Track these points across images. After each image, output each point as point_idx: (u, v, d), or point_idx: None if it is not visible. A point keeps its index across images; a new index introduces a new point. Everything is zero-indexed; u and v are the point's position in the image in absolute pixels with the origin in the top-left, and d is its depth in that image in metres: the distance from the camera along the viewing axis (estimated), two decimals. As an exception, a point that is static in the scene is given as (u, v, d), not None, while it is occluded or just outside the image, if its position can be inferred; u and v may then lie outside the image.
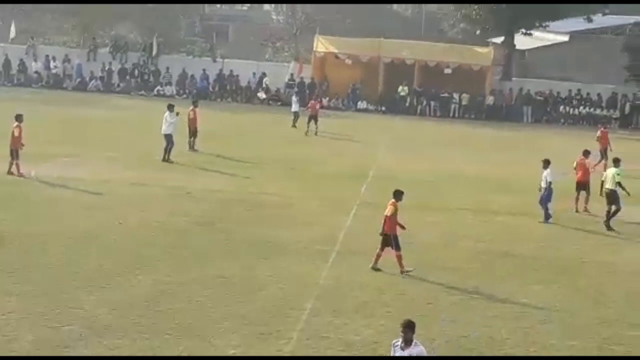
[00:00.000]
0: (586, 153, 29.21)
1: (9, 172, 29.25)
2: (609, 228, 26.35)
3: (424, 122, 53.83)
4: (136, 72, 59.94)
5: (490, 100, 57.79)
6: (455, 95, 57.52)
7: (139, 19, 65.72)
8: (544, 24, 62.62)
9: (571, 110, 57.77)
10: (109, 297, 17.89)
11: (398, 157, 38.11)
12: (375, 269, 20.81)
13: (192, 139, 36.71)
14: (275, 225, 24.64)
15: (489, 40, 65.95)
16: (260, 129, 45.00)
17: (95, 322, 16.50)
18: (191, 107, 37.42)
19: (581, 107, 57.65)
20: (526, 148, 42.24)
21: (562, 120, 57.31)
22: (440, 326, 17.28)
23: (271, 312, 17.54)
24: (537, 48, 66.56)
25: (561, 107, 57.83)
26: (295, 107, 47.60)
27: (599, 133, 38.64)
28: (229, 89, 59.32)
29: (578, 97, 57.92)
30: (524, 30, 61.98)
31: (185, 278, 19.44)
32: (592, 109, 57.52)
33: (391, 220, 20.73)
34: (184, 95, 56.58)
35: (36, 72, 59.15)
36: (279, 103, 56.33)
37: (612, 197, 26.70)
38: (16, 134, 29.40)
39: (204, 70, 59.20)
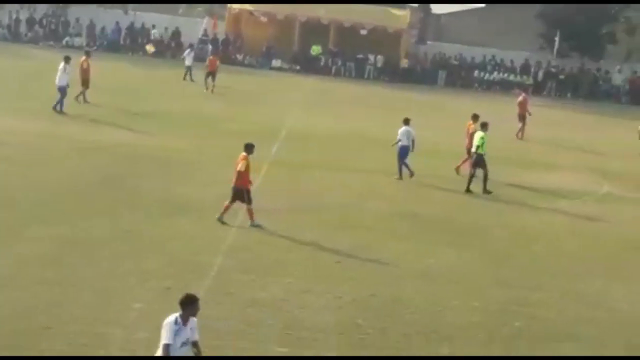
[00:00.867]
0: (475, 118, 28.64)
1: None
2: (487, 192, 26.18)
3: (338, 82, 53.76)
4: (44, 21, 58.51)
5: (405, 62, 58.00)
6: (371, 57, 57.61)
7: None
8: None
9: (485, 75, 58.38)
10: (10, 250, 17.44)
11: (311, 117, 37.95)
12: (222, 221, 20.61)
13: (84, 89, 35.67)
14: (182, 182, 24.30)
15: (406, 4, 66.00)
16: (168, 85, 44.30)
17: (-5, 274, 16.09)
18: (84, 57, 36.23)
19: (495, 73, 58.33)
20: (438, 111, 42.51)
21: (476, 85, 57.90)
22: (348, 285, 17.26)
23: (177, 268, 17.32)
24: (453, 13, 66.99)
25: (475, 72, 58.41)
26: (188, 61, 47.04)
27: (520, 98, 38.50)
28: (141, 42, 58.37)
29: (492, 62, 58.56)
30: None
31: (90, 233, 19.06)
32: (505, 75, 58.24)
33: (243, 175, 20.62)
34: (94, 47, 55.41)
35: (-59, 18, 57.42)
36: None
37: (476, 161, 26.38)
38: None
39: (116, 22, 58.09)
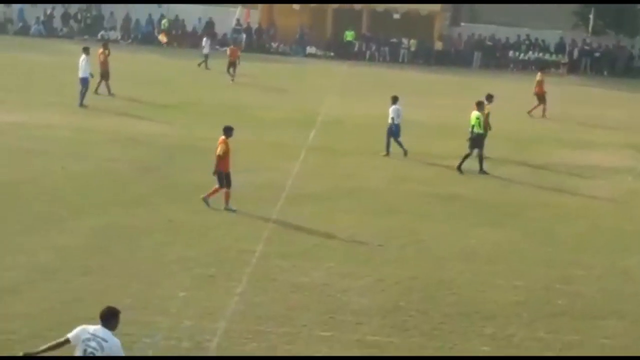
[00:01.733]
0: (489, 97, 28.32)
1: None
2: (483, 172, 25.78)
3: (372, 67, 53.64)
4: (79, 16, 58.89)
5: (439, 45, 57.76)
6: (405, 41, 57.41)
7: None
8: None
9: (520, 55, 57.98)
10: (55, 242, 17.64)
11: (346, 102, 37.94)
12: (206, 201, 20.67)
13: (103, 81, 35.58)
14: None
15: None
16: (202, 75, 44.39)
17: (40, 265, 16.28)
18: (101, 49, 36.01)
19: (530, 53, 57.91)
20: (473, 93, 42.25)
21: (511, 66, 57.52)
22: (389, 268, 17.29)
23: (220, 255, 17.43)
24: (486, -7, 66.40)
25: (510, 53, 58.03)
26: (206, 49, 47.07)
27: (539, 77, 38.20)
28: (174, 34, 58.58)
29: (527, 42, 58.14)
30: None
31: (132, 222, 19.23)
32: (541, 54, 57.80)
33: (223, 159, 20.68)
34: (129, 40, 55.78)
35: (-23, 16, 57.95)
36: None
37: (474, 141, 25.99)
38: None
39: (149, 15, 58.34)
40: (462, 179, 25.32)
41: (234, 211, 20.47)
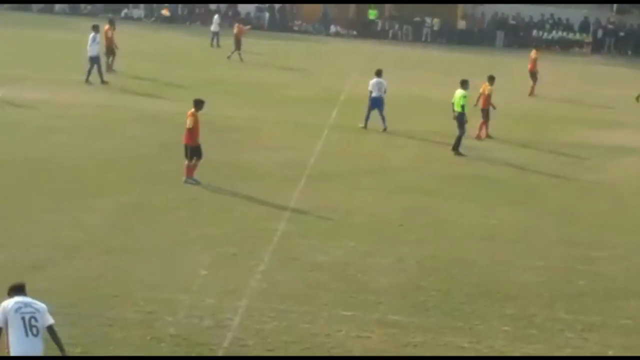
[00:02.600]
0: (491, 79, 27.86)
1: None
2: (457, 153, 25.23)
3: (395, 46, 53.41)
4: (103, -6, 58.89)
5: (462, 24, 57.45)
6: (428, 20, 57.13)
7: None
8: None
9: (544, 34, 57.56)
10: (76, 219, 17.76)
11: (368, 81, 37.77)
12: (190, 182, 20.71)
13: (111, 58, 35.52)
14: (243, 149, 24.47)
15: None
16: (224, 53, 44.28)
17: (63, 243, 16.41)
18: (107, 26, 35.49)
19: (554, 32, 57.49)
20: (496, 72, 42.06)
21: (535, 44, 57.08)
22: (410, 247, 17.30)
23: (242, 234, 17.50)
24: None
25: (534, 32, 57.61)
26: (214, 27, 46.80)
27: (533, 54, 37.28)
28: (197, 12, 58.49)
29: (550, 21, 57.74)
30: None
31: (154, 201, 19.33)
32: (564, 34, 57.37)
33: (192, 132, 20.73)
34: (152, 19, 55.79)
35: (1, -7, 57.98)
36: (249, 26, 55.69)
37: (458, 120, 25.46)
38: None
39: (172, -8, 58.28)
40: (483, 159, 25.21)
41: (198, 183, 20.54)
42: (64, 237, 16.74)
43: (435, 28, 57.23)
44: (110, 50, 35.46)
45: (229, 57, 42.20)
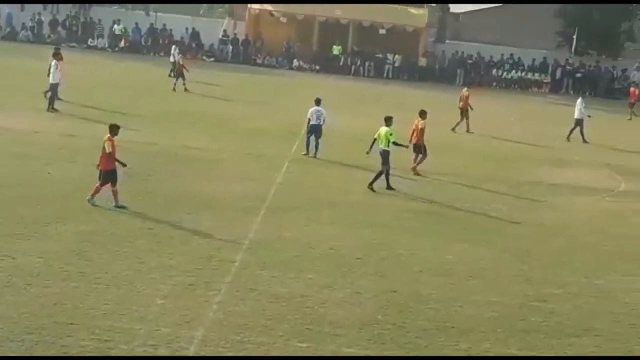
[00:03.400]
0: (422, 114, 28.05)
1: None
2: (372, 188, 25.11)
3: (357, 82, 53.92)
4: (67, 23, 58.96)
5: (423, 62, 58.14)
6: (390, 56, 57.78)
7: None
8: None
9: (503, 74, 58.40)
10: (36, 246, 17.73)
11: (330, 115, 38.01)
12: (92, 203, 20.90)
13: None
14: (205, 179, 24.58)
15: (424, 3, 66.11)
16: (188, 86, 44.45)
17: (22, 270, 16.36)
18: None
19: (513, 72, 58.35)
20: (456, 109, 42.61)
21: (494, 84, 57.91)
22: (368, 281, 17.46)
23: (200, 264, 17.55)
24: (472, 11, 67.05)
25: (493, 71, 58.45)
26: (173, 57, 47.16)
27: (465, 92, 37.87)
28: (162, 43, 58.70)
29: (510, 61, 58.60)
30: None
31: (113, 230, 19.33)
32: (524, 73, 58.25)
33: (109, 157, 21.04)
34: (116, 49, 55.85)
35: (-36, 20, 57.91)
36: (212, 59, 55.99)
37: (384, 157, 25.43)
38: None
39: (136, 23, 58.45)
40: (442, 194, 25.53)
41: (124, 207, 20.80)
42: (23, 263, 16.71)
43: (397, 64, 57.87)
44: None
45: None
